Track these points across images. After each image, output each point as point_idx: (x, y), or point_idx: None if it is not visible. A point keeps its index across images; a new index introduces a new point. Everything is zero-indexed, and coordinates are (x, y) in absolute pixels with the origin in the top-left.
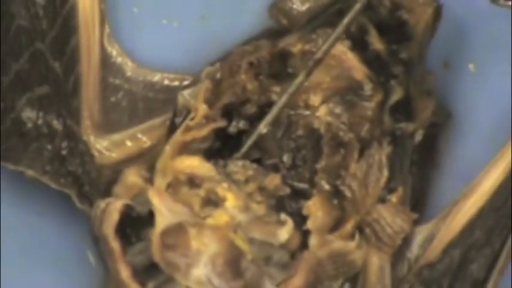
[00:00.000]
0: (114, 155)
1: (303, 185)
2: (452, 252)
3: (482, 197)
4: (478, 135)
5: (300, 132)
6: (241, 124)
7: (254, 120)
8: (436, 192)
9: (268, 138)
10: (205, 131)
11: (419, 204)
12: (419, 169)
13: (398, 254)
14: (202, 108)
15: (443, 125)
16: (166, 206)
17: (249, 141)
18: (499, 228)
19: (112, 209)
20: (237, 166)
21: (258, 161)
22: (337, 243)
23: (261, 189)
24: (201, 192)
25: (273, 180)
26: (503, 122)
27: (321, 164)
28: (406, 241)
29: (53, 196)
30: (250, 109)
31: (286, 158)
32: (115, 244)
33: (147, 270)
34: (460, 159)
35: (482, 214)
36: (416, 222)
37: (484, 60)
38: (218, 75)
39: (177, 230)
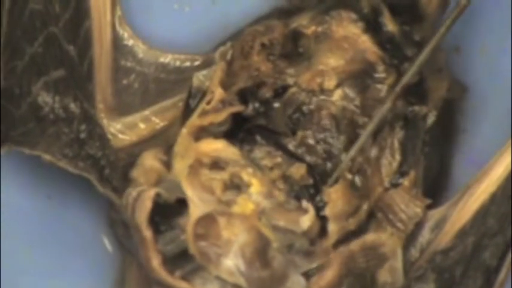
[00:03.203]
0: (128, 138)
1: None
2: (466, 239)
3: (494, 182)
4: (493, 119)
5: (316, 119)
6: (257, 107)
7: (270, 102)
8: (455, 170)
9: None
10: (223, 116)
11: (436, 183)
12: (433, 149)
13: (410, 238)
14: (219, 93)
15: (459, 103)
16: (198, 196)
17: (343, 164)
18: (511, 216)
19: (145, 197)
20: (263, 152)
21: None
22: (370, 236)
23: (284, 177)
24: (224, 175)
25: (299, 170)
26: None
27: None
28: (418, 225)
29: (66, 180)
30: (266, 93)
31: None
32: (148, 233)
33: (175, 259)
34: (476, 137)
35: (495, 200)
36: (434, 203)
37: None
38: (229, 56)
39: (207, 220)
